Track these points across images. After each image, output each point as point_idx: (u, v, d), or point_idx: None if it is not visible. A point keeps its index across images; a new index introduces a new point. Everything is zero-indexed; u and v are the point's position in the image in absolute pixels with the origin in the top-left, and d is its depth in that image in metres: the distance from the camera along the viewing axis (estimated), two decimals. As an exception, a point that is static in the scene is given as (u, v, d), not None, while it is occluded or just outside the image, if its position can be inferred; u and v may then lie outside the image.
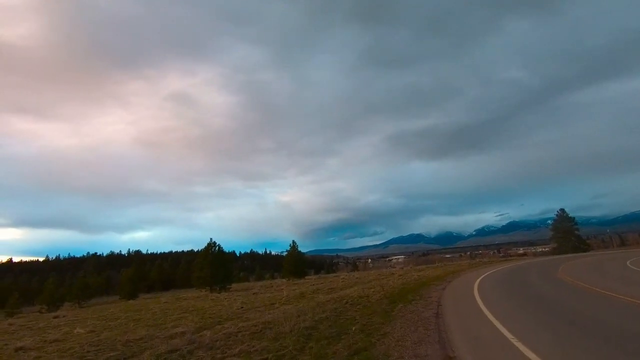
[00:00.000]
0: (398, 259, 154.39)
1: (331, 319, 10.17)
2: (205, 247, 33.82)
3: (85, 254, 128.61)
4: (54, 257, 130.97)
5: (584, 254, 51.92)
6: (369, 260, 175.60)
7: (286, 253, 43.24)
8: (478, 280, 16.41)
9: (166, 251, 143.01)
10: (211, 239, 34.08)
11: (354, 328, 8.31)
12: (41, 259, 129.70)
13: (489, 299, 9.99)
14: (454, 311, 8.69)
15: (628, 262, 23.20)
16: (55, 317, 20.92)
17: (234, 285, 43.19)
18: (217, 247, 34.28)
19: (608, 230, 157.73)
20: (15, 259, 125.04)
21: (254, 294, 26.23)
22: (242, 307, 16.02)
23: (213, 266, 32.28)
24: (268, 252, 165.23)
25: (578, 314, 7.30)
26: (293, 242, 42.59)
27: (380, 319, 8.94)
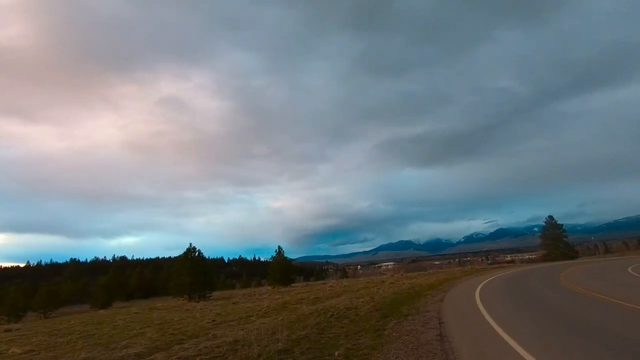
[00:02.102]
0: (387, 265, 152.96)
1: (311, 339, 8.46)
2: (184, 253, 31.65)
3: (68, 260, 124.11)
4: (35, 263, 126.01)
5: (574, 261, 51.27)
6: (359, 267, 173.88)
7: (272, 259, 41.24)
8: (478, 290, 14.86)
9: (153, 257, 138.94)
10: (190, 244, 31.97)
11: (336, 353, 6.63)
12: (22, 265, 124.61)
13: (500, 316, 8.39)
14: (462, 332, 7.03)
15: (629, 269, 22.10)
16: (6, 331, 18.63)
17: (217, 293, 40.98)
18: (197, 253, 32.15)
19: (592, 238, 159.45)
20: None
21: (233, 303, 24.28)
22: (213, 321, 14.15)
23: (192, 273, 30.12)
24: (257, 258, 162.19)
25: (623, 339, 5.76)
26: (279, 247, 40.69)
27: (370, 340, 7.27)
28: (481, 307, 9.64)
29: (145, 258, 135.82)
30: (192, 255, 31.55)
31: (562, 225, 71.42)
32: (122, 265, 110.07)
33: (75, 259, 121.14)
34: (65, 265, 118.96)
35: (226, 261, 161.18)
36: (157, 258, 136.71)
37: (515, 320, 7.85)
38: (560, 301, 10.38)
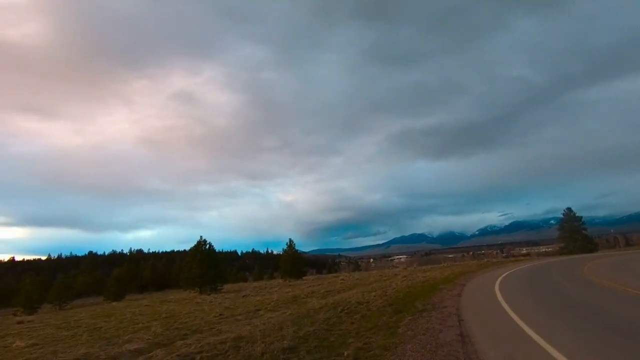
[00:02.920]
0: (400, 258, 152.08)
1: (319, 336, 7.92)
2: (195, 246, 31.58)
3: (87, 253, 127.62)
4: (55, 256, 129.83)
5: (595, 254, 49.45)
6: (371, 260, 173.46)
7: (283, 252, 40.96)
8: (497, 284, 14.05)
9: (168, 250, 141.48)
10: (201, 236, 31.90)
11: (345, 353, 6.06)
12: (44, 258, 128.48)
13: (525, 312, 7.66)
14: (485, 331, 6.33)
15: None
16: (19, 323, 18.76)
17: (228, 286, 40.98)
18: (207, 246, 32.06)
19: (612, 230, 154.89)
20: (18, 258, 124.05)
21: (243, 296, 24.01)
22: (221, 315, 13.78)
23: (202, 266, 30.04)
24: (270, 251, 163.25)
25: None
26: (290, 240, 40.35)
27: (383, 340, 6.67)
28: (503, 303, 8.90)
29: (160, 251, 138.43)
30: (202, 248, 31.45)
31: (582, 217, 69.19)
32: (138, 258, 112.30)
33: (92, 251, 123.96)
34: (84, 258, 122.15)
35: (239, 254, 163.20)
36: (172, 251, 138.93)
37: (543, 317, 7.11)
38: (590, 296, 9.55)
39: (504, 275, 18.13)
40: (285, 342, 7.36)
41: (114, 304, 29.08)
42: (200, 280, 29.90)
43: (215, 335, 9.55)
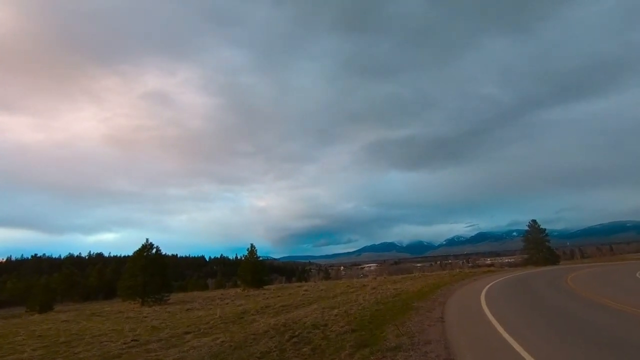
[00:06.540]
0: (370, 267, 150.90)
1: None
2: (139, 250, 27.64)
3: (41, 255, 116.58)
4: (4, 259, 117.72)
5: (559, 266, 49.58)
6: (342, 267, 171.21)
7: (243, 259, 37.54)
8: (483, 302, 11.64)
9: (132, 254, 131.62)
10: (147, 239, 28.04)
11: None
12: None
13: (546, 353, 5.23)
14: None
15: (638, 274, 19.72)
16: None
17: (180, 296, 37.09)
18: (154, 250, 28.21)
19: (568, 243, 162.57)
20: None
21: (187, 310, 20.61)
22: (134, 340, 10.48)
23: (146, 273, 26.20)
24: (240, 257, 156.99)
25: None
26: (251, 246, 37.02)
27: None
28: (508, 338, 6.39)
29: (123, 255, 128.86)
30: (147, 253, 27.59)
31: (545, 229, 70.52)
32: (88, 262, 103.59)
33: (36, 254, 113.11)
34: (27, 262, 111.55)
35: (207, 260, 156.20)
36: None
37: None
38: (613, 325, 7.31)
39: (485, 290, 15.95)
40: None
41: (35, 316, 24.55)
42: (143, 290, 26.02)
43: (94, 381, 6.48)
